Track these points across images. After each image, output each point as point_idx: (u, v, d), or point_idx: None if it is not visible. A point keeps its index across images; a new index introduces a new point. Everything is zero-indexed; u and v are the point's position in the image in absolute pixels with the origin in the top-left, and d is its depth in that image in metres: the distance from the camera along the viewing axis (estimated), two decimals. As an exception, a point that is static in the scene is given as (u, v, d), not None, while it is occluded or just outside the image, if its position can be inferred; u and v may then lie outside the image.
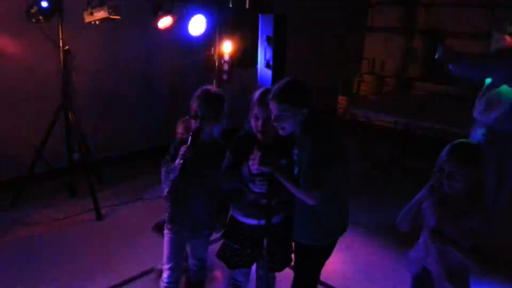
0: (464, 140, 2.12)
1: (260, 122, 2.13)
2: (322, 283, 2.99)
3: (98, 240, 3.59)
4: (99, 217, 3.92)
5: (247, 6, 5.61)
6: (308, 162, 2.00)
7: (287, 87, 2.05)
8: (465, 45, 6.96)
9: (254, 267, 2.43)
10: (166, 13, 4.49)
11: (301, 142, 2.07)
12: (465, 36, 6.94)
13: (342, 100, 7.57)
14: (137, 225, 3.85)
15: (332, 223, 2.18)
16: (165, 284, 2.49)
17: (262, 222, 2.15)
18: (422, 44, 7.77)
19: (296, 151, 2.13)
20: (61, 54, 3.91)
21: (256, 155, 2.03)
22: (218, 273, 2.99)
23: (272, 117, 2.04)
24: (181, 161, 2.20)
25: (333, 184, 2.09)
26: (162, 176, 2.35)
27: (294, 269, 2.33)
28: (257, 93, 2.18)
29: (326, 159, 2.02)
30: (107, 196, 4.33)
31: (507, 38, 3.14)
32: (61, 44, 3.89)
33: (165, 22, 4.51)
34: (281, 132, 2.07)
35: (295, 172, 2.11)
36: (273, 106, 2.03)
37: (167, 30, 4.66)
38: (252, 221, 2.25)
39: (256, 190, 2.13)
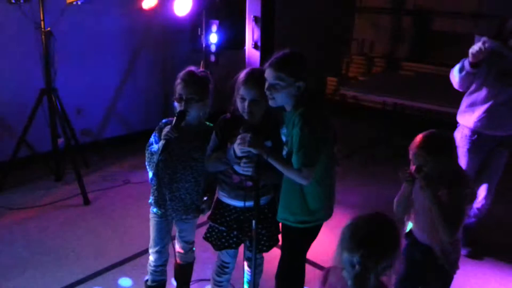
0: (434, 130, 2.07)
1: (246, 103, 2.09)
2: (310, 262, 3.00)
3: (85, 225, 3.57)
4: (87, 201, 3.89)
5: (234, -15, 5.50)
6: (298, 140, 1.97)
7: (286, 57, 2.02)
8: (451, 24, 7.00)
9: (241, 248, 2.43)
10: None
11: (291, 118, 2.03)
12: (452, 16, 6.93)
13: (331, 81, 7.56)
14: (125, 208, 3.83)
15: (319, 205, 2.16)
16: (153, 268, 2.49)
17: (248, 204, 2.14)
18: (411, 24, 7.73)
19: (284, 130, 2.11)
20: (43, 36, 3.81)
21: (243, 136, 2.00)
22: (205, 255, 2.99)
23: (266, 85, 2.00)
24: (164, 142, 2.17)
25: (322, 164, 2.07)
26: (146, 158, 2.32)
27: (281, 249, 2.33)
28: (242, 74, 2.14)
29: (317, 137, 2.00)
30: (94, 180, 4.30)
31: None
32: (42, 26, 3.79)
33: (149, 2, 4.42)
34: (270, 102, 2.03)
35: (284, 153, 2.09)
36: (268, 74, 2.00)
37: (151, 10, 4.57)
38: (238, 203, 2.24)
39: (241, 172, 2.11)
